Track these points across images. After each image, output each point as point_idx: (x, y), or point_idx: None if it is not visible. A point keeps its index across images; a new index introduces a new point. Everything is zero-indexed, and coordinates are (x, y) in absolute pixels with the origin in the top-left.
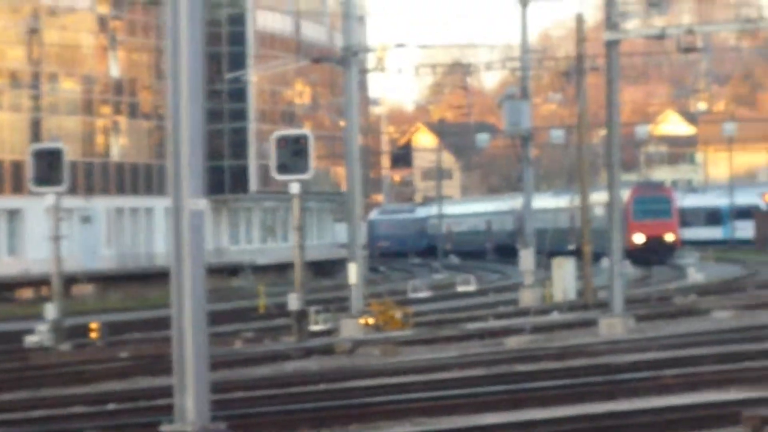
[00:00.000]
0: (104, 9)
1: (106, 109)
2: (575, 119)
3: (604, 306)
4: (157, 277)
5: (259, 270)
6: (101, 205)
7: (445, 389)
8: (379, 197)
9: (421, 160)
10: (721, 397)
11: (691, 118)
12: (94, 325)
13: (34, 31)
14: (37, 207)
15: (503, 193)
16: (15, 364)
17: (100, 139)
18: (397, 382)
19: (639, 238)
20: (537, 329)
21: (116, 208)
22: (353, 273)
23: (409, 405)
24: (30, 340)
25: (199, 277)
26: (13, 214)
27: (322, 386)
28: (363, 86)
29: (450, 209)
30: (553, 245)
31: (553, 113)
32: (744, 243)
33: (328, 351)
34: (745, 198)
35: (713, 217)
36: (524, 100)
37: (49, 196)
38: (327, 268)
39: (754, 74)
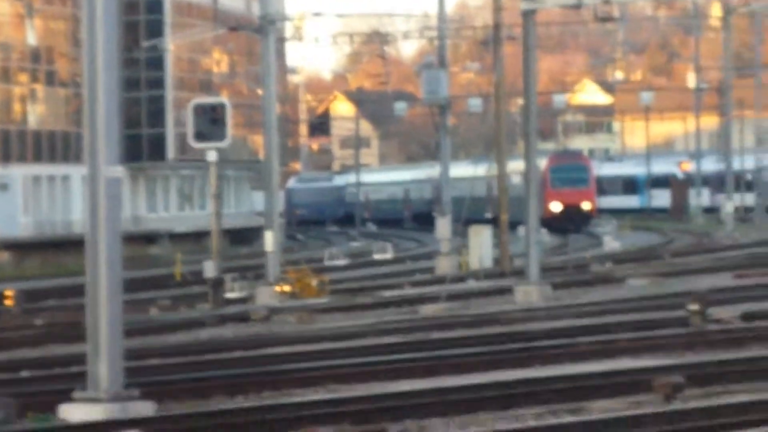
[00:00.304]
0: None
1: (23, 77)
2: (493, 88)
3: (520, 274)
4: (74, 245)
5: (177, 238)
6: (18, 172)
7: (361, 356)
8: (297, 166)
9: (339, 129)
10: (635, 364)
11: (608, 87)
12: (9, 293)
13: None
14: None
15: (421, 161)
16: None
17: (17, 107)
18: (312, 350)
19: (556, 207)
20: (453, 297)
21: (33, 176)
22: (270, 241)
23: (324, 372)
24: None
25: (115, 244)
26: None
27: (237, 353)
28: (281, 55)
29: (368, 177)
30: (470, 213)
31: (471, 82)
32: (660, 211)
33: (243, 318)
34: (661, 167)
35: (630, 185)
36: (442, 68)
37: None
38: (244, 236)
39: (671, 44)
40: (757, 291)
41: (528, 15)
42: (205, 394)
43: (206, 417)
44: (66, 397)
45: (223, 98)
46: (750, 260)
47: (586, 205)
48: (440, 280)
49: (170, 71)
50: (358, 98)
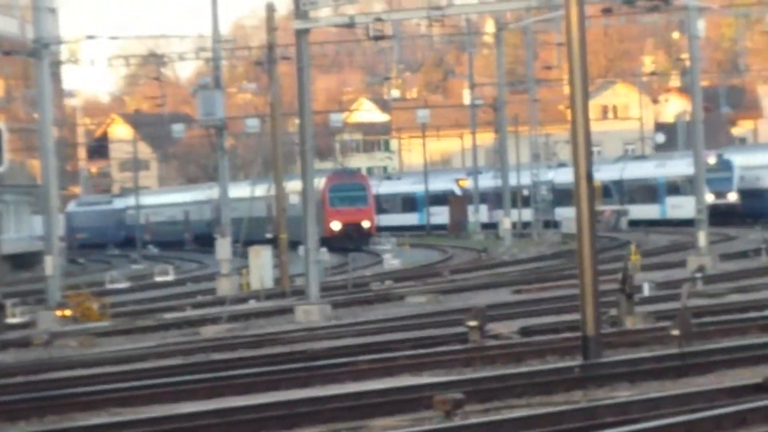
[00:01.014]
0: None
1: None
2: (269, 108)
3: (301, 293)
4: None
5: None
6: None
7: (143, 379)
8: (77, 189)
9: (118, 152)
10: (416, 381)
11: (384, 105)
12: None
13: None
14: None
15: (201, 182)
16: None
17: None
18: (94, 373)
19: (335, 225)
20: (234, 318)
21: None
22: (50, 265)
23: (106, 396)
24: None
25: None
26: None
27: (18, 378)
28: (57, 78)
29: (148, 200)
30: (250, 234)
31: (248, 102)
32: (439, 228)
33: (25, 343)
34: (440, 184)
35: (409, 203)
36: (217, 89)
37: None
38: (25, 261)
39: (446, 61)
40: (535, 306)
41: (301, 34)
42: None
43: None
44: None
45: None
46: (528, 275)
47: (365, 224)
48: (221, 302)
49: None
50: (135, 121)
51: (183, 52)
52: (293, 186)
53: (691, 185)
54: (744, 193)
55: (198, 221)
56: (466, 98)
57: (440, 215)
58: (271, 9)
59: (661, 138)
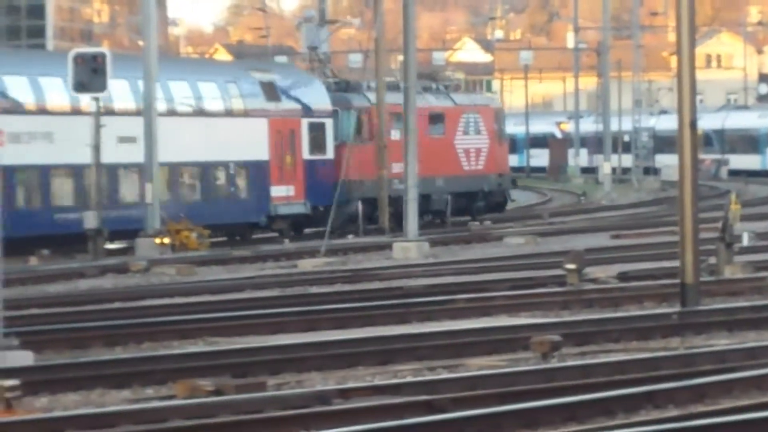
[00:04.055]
0: None
1: None
2: (373, 44)
3: (399, 231)
4: None
5: None
6: None
7: (239, 310)
8: None
9: None
10: (512, 322)
11: (487, 45)
12: None
13: None
14: None
15: None
16: None
17: None
18: (191, 302)
19: None
20: (332, 251)
21: None
22: (150, 192)
23: (202, 324)
24: None
25: None
26: None
27: (116, 304)
28: (162, 5)
29: None
30: None
31: (352, 37)
32: (539, 170)
33: (123, 270)
34: (541, 126)
35: (510, 144)
36: (323, 23)
37: None
38: None
39: (551, 3)
40: (633, 251)
41: None
42: (83, 345)
43: (85, 367)
44: None
45: (104, 48)
46: (627, 221)
47: None
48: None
49: (51, 20)
50: (238, 51)
51: None
52: None
53: None
54: None
55: None
56: (570, 42)
57: (540, 157)
58: None
59: (764, 89)
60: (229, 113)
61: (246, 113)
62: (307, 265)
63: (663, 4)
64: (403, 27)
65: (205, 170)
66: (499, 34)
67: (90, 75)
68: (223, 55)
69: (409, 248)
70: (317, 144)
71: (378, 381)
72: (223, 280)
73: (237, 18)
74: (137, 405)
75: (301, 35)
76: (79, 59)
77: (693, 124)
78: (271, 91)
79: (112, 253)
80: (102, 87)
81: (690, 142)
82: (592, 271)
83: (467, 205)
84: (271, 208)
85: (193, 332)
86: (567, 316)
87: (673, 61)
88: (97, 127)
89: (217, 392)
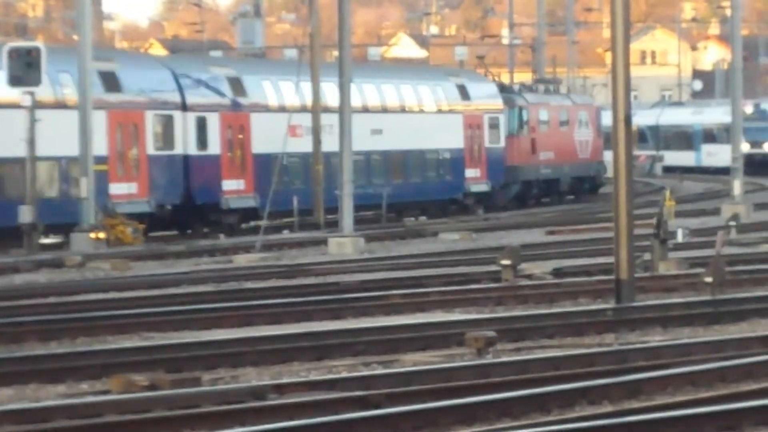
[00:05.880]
0: None
1: None
2: (308, 39)
3: (334, 225)
4: None
5: None
6: None
7: (175, 304)
8: None
9: None
10: (447, 318)
11: (423, 41)
12: None
13: None
14: None
15: None
16: None
17: None
18: (126, 297)
19: None
20: (267, 247)
21: None
22: (84, 187)
23: (137, 320)
24: None
25: None
26: None
27: (51, 299)
28: (97, 1)
29: None
30: None
31: (287, 32)
32: None
33: (58, 264)
34: None
35: None
36: (257, 18)
37: None
38: None
39: None
40: (568, 247)
41: None
42: (18, 339)
43: (19, 362)
44: None
45: (39, 42)
46: (562, 217)
47: None
48: (254, 230)
49: None
50: (173, 46)
51: None
52: None
53: (728, 134)
54: None
55: None
56: (505, 38)
57: None
58: None
59: (698, 85)
60: (434, 111)
61: (449, 110)
62: (242, 260)
63: (597, 1)
64: (338, 22)
65: (417, 156)
66: (434, 29)
67: (25, 69)
68: (158, 50)
69: (345, 243)
70: (494, 135)
71: (313, 376)
72: (159, 275)
73: (172, 13)
74: (72, 400)
75: (236, 30)
76: (14, 53)
77: (627, 120)
78: (464, 93)
79: (46, 247)
80: (37, 81)
81: (624, 138)
82: (527, 267)
83: (578, 187)
84: (465, 186)
85: (128, 327)
86: (502, 312)
87: (608, 57)
88: (32, 122)
89: (152, 387)
